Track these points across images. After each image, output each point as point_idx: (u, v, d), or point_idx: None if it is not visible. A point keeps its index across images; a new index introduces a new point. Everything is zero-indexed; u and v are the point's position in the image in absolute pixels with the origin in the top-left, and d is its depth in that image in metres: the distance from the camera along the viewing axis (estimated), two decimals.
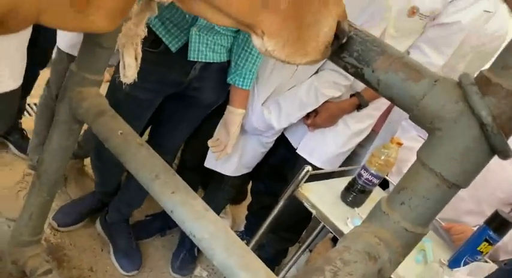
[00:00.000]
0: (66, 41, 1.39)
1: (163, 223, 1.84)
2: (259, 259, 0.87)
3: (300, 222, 1.70)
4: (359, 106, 1.42)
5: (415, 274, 1.07)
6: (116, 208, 1.64)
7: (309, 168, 1.11)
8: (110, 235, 1.66)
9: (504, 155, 0.55)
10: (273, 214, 1.22)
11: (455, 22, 1.32)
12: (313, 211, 1.11)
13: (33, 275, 1.30)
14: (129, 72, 0.82)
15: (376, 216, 0.69)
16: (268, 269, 0.86)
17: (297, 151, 1.54)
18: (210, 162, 1.57)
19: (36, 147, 1.61)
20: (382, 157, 1.13)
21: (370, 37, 0.67)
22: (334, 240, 1.74)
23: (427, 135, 0.62)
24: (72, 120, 1.13)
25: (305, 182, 1.15)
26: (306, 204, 1.13)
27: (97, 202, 1.72)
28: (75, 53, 1.37)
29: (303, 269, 0.54)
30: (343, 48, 0.68)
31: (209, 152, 1.55)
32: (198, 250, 1.85)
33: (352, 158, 1.64)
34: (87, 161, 1.94)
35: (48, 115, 1.56)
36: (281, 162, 1.74)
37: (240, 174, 1.64)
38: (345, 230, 1.06)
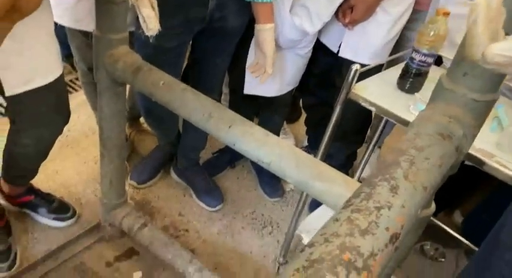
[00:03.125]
0: (67, 18, 1.34)
1: (230, 155, 1.89)
2: (330, 167, 0.88)
3: (362, 122, 1.68)
4: None
5: (493, 144, 1.03)
6: (183, 155, 1.71)
7: (357, 66, 1.06)
8: (186, 180, 1.75)
9: None
10: (332, 122, 1.20)
11: None
12: (373, 109, 1.08)
13: (132, 232, 1.41)
14: (151, 24, 0.79)
15: (439, 95, 0.66)
16: (342, 174, 0.87)
17: (339, 55, 1.46)
18: (250, 88, 1.55)
19: None
20: (431, 33, 1.05)
21: None
22: None
23: None
24: (114, 84, 1.15)
25: (356, 82, 1.10)
26: (363, 104, 1.09)
27: (165, 154, 1.79)
28: (82, 27, 1.34)
29: (377, 165, 0.53)
30: None
31: (246, 78, 1.52)
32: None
33: (402, 45, 1.53)
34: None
35: (94, 89, 1.61)
36: (325, 70, 1.68)
37: (284, 93, 1.61)
38: (410, 118, 1.03)
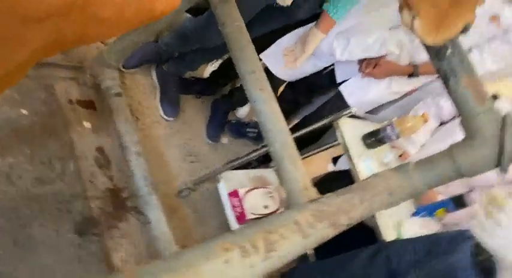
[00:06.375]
0: None
1: (202, 88, 2.13)
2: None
3: (311, 138, 2.04)
4: (410, 75, 1.67)
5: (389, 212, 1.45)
6: (176, 66, 1.89)
7: (354, 110, 1.41)
8: (161, 82, 1.94)
9: None
10: (306, 129, 1.54)
11: None
12: (341, 141, 1.44)
13: (108, 92, 1.60)
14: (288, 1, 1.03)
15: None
16: None
17: (339, 88, 1.79)
18: (267, 57, 1.81)
19: None
20: (409, 124, 1.44)
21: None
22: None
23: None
24: None
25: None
26: (337, 133, 1.44)
27: (155, 52, 1.89)
28: None
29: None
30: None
31: (271, 48, 1.79)
32: (224, 124, 2.19)
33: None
34: None
35: None
36: (317, 83, 2.02)
37: (282, 78, 1.91)
38: (357, 163, 1.41)
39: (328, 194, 0.84)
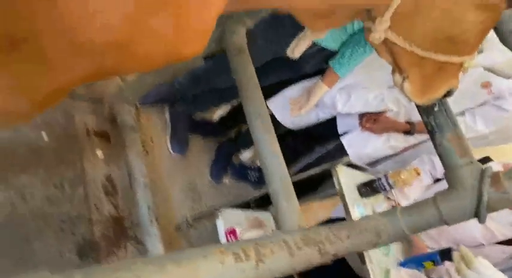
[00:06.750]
0: None
1: (210, 130, 2.24)
2: None
3: (310, 186, 2.12)
4: (407, 132, 1.79)
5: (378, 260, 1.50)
6: (187, 105, 2.02)
7: (351, 161, 1.50)
8: (173, 121, 2.06)
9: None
10: (303, 175, 1.63)
11: None
12: (338, 187, 1.52)
13: (123, 126, 1.71)
14: (297, 52, 1.16)
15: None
16: None
17: (340, 138, 1.90)
18: (273, 104, 1.94)
19: None
20: (403, 177, 1.52)
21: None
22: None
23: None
24: (216, 45, 1.47)
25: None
26: (334, 179, 1.53)
27: (170, 93, 2.01)
28: None
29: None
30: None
31: (277, 97, 1.91)
32: (228, 165, 2.28)
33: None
34: None
35: None
36: (318, 133, 2.12)
37: (286, 126, 2.02)
38: (351, 210, 1.48)
39: (319, 225, 0.92)
